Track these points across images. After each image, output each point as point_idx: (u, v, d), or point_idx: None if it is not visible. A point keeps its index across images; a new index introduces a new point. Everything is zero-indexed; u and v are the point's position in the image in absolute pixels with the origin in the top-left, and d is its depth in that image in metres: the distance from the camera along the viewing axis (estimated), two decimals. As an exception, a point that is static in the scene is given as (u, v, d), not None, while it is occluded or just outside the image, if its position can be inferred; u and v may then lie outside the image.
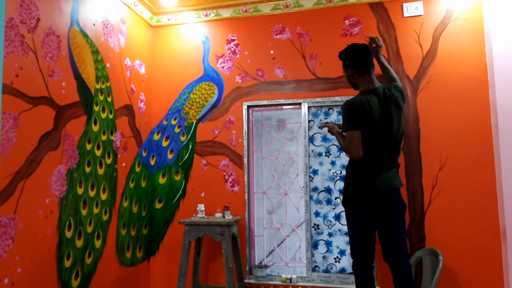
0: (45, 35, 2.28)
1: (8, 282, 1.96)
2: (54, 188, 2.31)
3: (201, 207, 3.16)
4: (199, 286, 3.16)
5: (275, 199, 3.35)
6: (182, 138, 3.48)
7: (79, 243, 2.52)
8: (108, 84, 2.92)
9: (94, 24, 2.76)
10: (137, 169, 3.30)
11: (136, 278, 3.23)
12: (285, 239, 3.30)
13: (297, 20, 3.33)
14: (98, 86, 2.78)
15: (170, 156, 3.48)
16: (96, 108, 2.76)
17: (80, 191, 2.55)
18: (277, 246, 3.30)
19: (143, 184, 3.38)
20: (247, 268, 3.22)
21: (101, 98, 2.83)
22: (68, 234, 2.43)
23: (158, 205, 3.46)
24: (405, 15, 3.11)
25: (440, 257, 2.50)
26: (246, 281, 3.18)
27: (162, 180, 3.48)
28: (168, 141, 3.50)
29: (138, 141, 3.34)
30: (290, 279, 3.11)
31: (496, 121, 2.80)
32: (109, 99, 2.93)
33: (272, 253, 3.31)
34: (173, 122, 3.51)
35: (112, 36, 2.99)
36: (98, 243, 2.73)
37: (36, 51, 2.20)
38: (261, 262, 3.30)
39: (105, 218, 2.82)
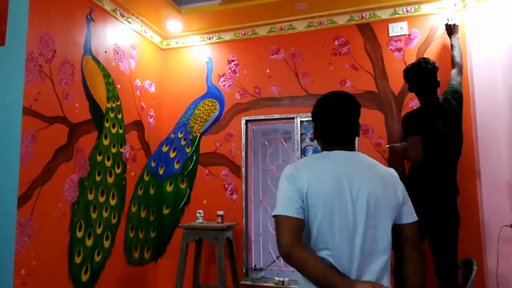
0: (60, 64, 2.68)
1: (24, 273, 2.34)
2: (66, 194, 2.69)
3: (200, 212, 3.46)
4: (199, 286, 3.45)
5: (271, 207, 3.60)
6: (187, 150, 3.81)
7: (88, 242, 2.89)
8: (118, 103, 3.30)
9: (105, 51, 3.16)
10: (146, 178, 3.67)
11: (144, 277, 3.57)
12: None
13: (290, 41, 3.59)
14: (109, 105, 3.17)
15: (176, 166, 3.82)
16: (106, 125, 3.14)
17: (90, 197, 2.92)
18: (273, 253, 3.54)
19: (152, 192, 3.74)
20: (244, 271, 3.47)
21: (112, 115, 3.21)
22: (79, 234, 2.80)
23: (165, 211, 3.81)
24: (390, 35, 3.30)
25: (474, 267, 2.41)
26: (242, 282, 3.43)
27: (169, 188, 3.82)
28: (175, 153, 3.85)
29: (147, 153, 3.70)
30: (283, 282, 3.34)
31: (476, 134, 2.91)
32: (119, 116, 3.31)
33: (269, 258, 3.55)
34: (180, 135, 3.86)
35: (123, 60, 3.39)
36: (106, 243, 3.09)
37: (52, 78, 2.61)
38: (255, 265, 3.54)
39: (113, 221, 3.18)
